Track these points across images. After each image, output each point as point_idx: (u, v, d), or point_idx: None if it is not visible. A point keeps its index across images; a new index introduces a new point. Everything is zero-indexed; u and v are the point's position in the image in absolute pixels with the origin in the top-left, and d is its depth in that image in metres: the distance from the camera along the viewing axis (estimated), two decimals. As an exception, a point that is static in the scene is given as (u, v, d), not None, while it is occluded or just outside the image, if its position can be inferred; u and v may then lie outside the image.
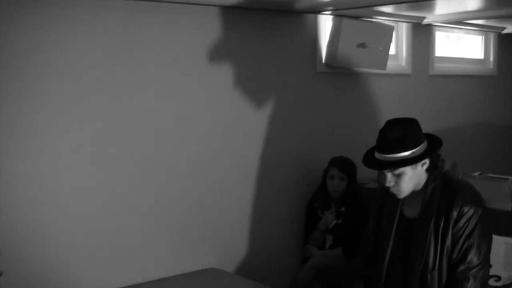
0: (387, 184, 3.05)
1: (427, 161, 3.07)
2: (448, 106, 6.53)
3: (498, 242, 4.04)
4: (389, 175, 3.03)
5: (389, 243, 3.20)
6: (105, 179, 4.05)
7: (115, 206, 4.11)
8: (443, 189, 3.10)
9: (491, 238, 3.18)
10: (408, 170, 3.02)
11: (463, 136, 6.66)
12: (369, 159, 3.12)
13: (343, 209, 4.85)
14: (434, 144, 3.13)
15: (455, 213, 3.01)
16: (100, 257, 4.06)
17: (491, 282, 4.11)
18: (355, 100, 5.57)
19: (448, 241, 3.02)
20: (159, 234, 4.34)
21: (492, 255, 3.97)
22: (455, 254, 3.01)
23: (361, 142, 4.62)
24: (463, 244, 3.00)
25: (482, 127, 6.98)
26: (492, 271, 4.05)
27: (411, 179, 3.05)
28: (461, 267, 2.99)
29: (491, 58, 7.21)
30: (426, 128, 5.61)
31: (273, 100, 4.93)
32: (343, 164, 4.86)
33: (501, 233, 4.09)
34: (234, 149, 4.72)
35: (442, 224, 3.04)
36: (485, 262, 3.05)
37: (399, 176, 3.02)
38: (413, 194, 3.12)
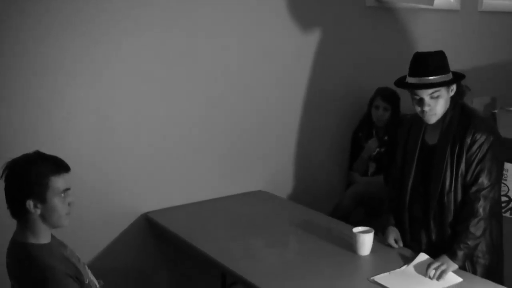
0: (426, 108, 3.20)
1: (454, 87, 3.26)
2: (496, 43, 6.49)
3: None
4: (427, 98, 3.18)
5: (412, 168, 3.41)
6: (163, 110, 4.18)
7: (171, 135, 4.25)
8: (460, 118, 3.27)
9: (502, 163, 3.38)
10: (444, 93, 3.20)
11: (507, 72, 6.62)
12: (408, 84, 3.26)
13: (386, 138, 4.96)
14: (458, 74, 3.30)
15: (468, 140, 3.19)
16: (157, 180, 4.22)
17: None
18: (402, 34, 5.57)
19: (463, 166, 3.21)
20: (210, 160, 4.48)
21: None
22: (468, 177, 3.21)
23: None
24: (475, 168, 3.19)
25: None
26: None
27: (445, 102, 3.23)
28: (473, 189, 3.18)
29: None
30: (472, 63, 5.71)
31: (323, 31, 4.95)
32: (388, 95, 4.93)
33: None
34: (282, 77, 4.78)
35: (457, 150, 3.22)
36: (496, 184, 3.24)
37: (436, 98, 3.19)
38: (435, 122, 3.30)
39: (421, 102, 3.22)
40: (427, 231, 3.37)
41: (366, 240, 3.35)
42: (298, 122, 4.98)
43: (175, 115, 4.28)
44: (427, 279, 3.06)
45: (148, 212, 4.17)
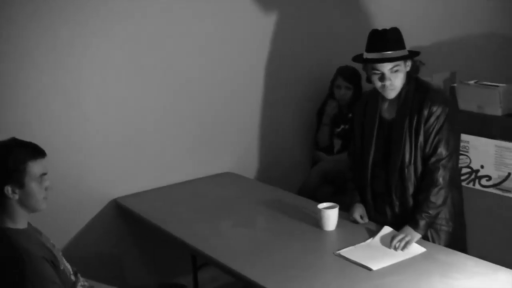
0: (386, 82, 3.27)
1: (409, 63, 3.34)
2: (456, 18, 6.52)
3: (489, 145, 4.30)
4: (387, 73, 3.25)
5: (372, 144, 3.47)
6: (132, 97, 4.28)
7: (140, 121, 4.33)
8: (415, 92, 3.35)
9: (459, 133, 3.52)
10: (402, 68, 3.28)
11: (470, 47, 6.67)
12: (368, 59, 3.32)
13: (350, 115, 4.98)
14: (412, 51, 3.38)
15: (425, 112, 3.27)
16: (127, 166, 4.29)
17: (483, 181, 4.37)
18: (360, 12, 5.61)
19: (421, 138, 3.29)
20: (178, 144, 4.56)
21: (483, 157, 4.27)
22: (427, 149, 3.29)
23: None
24: (433, 139, 3.27)
25: (490, 38, 6.93)
26: (483, 172, 4.34)
27: (403, 77, 3.30)
28: (432, 159, 3.28)
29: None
30: (431, 39, 5.79)
31: (282, 12, 5.00)
32: (349, 74, 5.00)
33: (492, 136, 4.31)
34: (244, 62, 4.85)
35: (415, 123, 3.30)
36: (454, 154, 3.34)
37: (396, 73, 3.26)
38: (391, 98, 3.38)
39: (382, 77, 3.28)
40: (391, 205, 3.44)
41: (331, 216, 3.43)
42: (263, 104, 5.04)
43: (144, 102, 4.35)
44: (391, 250, 3.15)
45: (117, 198, 4.23)
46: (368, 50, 3.33)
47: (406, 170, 3.34)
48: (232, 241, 3.46)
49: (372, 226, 3.48)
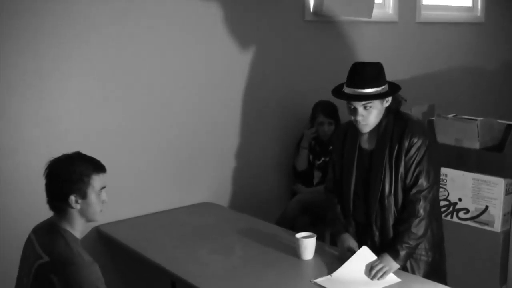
0: (358, 118, 3.28)
1: (389, 99, 3.34)
2: (434, 53, 6.65)
3: (467, 178, 4.33)
4: (360, 109, 3.26)
5: (352, 174, 3.47)
6: (111, 123, 4.27)
7: (116, 147, 4.32)
8: (395, 123, 3.36)
9: (438, 164, 3.58)
10: (377, 105, 3.28)
11: (446, 81, 6.80)
12: (344, 94, 3.33)
13: (331, 147, 5.08)
14: (394, 86, 3.38)
15: (406, 143, 3.28)
16: (107, 193, 4.26)
17: (461, 214, 4.40)
18: (341, 48, 5.68)
19: (402, 169, 3.30)
20: (156, 172, 4.56)
21: (461, 190, 4.31)
22: (408, 180, 3.30)
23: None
24: (414, 170, 3.28)
25: (466, 72, 7.08)
26: (461, 205, 4.38)
27: (378, 113, 3.31)
28: (413, 190, 3.28)
29: (479, 6, 7.26)
30: (410, 73, 5.87)
31: (261, 47, 5.06)
32: (330, 110, 5.06)
33: (470, 169, 4.36)
34: (223, 92, 4.86)
35: (395, 154, 3.31)
36: (434, 185, 3.35)
37: (369, 109, 3.26)
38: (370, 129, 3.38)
39: (354, 111, 3.30)
40: (371, 235, 3.44)
41: (308, 245, 3.44)
42: (241, 135, 5.06)
43: (123, 132, 4.36)
44: (366, 278, 3.17)
45: (100, 225, 4.23)
46: (346, 84, 3.34)
47: (386, 200, 3.34)
48: (210, 267, 3.47)
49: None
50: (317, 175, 5.16)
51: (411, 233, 3.25)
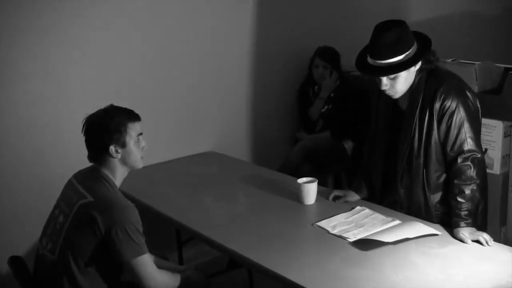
0: (383, 88, 3.11)
1: (419, 63, 3.13)
2: None
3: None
4: (384, 79, 3.09)
5: (384, 134, 3.40)
6: (115, 75, 4.33)
7: (125, 100, 4.21)
8: (427, 82, 3.15)
9: (480, 124, 3.25)
10: (402, 73, 3.08)
11: (449, 25, 6.77)
12: (362, 64, 3.16)
13: (332, 95, 5.12)
14: (424, 43, 3.15)
15: (437, 105, 3.09)
16: None
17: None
18: None
19: (435, 133, 3.14)
20: (160, 122, 4.59)
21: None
22: (449, 147, 3.12)
23: (347, 33, 4.90)
24: (456, 136, 3.09)
25: (466, 16, 7.06)
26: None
27: (406, 80, 3.12)
28: (460, 158, 3.08)
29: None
30: (415, 17, 5.84)
31: None
32: (326, 54, 5.08)
33: None
34: (227, 42, 4.92)
35: (426, 117, 3.14)
36: (479, 148, 3.14)
37: (394, 79, 3.09)
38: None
39: (379, 81, 3.14)
40: (396, 193, 3.36)
41: (310, 190, 3.51)
42: (244, 84, 5.10)
43: (127, 82, 4.40)
44: (368, 222, 3.21)
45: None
46: (367, 52, 3.16)
47: (414, 161, 3.23)
48: (214, 215, 3.55)
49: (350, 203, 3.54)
50: (319, 122, 5.20)
51: (469, 203, 3.06)
